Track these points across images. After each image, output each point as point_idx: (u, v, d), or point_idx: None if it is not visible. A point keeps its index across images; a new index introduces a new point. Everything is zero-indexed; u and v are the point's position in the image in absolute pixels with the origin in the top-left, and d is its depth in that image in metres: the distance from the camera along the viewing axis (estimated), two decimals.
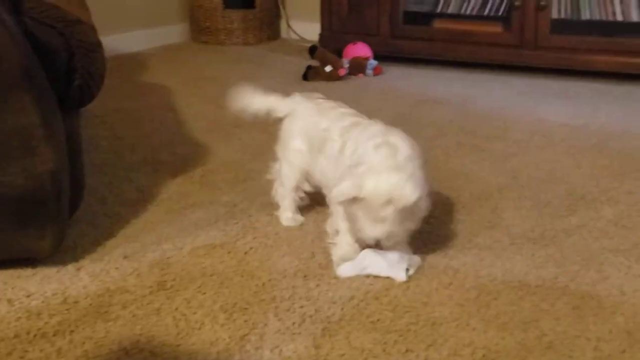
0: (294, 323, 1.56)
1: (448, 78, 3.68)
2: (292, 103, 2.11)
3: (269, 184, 2.14)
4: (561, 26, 3.62)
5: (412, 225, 1.74)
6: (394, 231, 1.69)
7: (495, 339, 1.50)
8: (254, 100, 2.21)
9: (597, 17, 3.57)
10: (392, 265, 1.74)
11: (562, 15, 3.63)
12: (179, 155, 2.60)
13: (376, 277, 1.73)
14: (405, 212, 1.67)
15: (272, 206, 2.12)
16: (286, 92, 3.42)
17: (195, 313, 1.59)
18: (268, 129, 2.89)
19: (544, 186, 2.29)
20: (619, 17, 3.52)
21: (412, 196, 1.64)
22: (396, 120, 3.00)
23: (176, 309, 1.61)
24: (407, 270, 1.74)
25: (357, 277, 1.74)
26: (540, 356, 1.45)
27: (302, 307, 1.62)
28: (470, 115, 3.06)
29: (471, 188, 2.28)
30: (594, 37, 3.53)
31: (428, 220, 2.04)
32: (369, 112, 3.11)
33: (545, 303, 1.63)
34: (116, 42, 4.18)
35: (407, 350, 1.46)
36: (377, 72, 3.77)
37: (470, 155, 2.58)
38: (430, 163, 2.48)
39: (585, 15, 3.58)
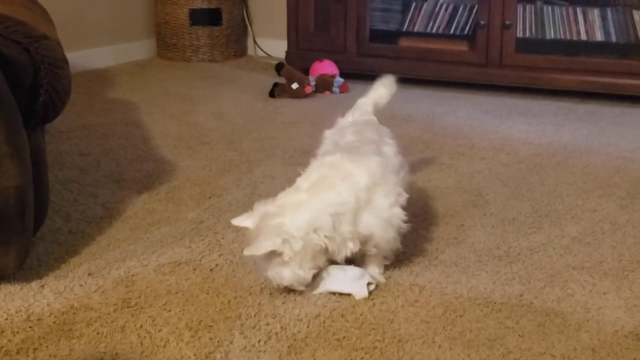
0: (259, 340, 1.55)
1: (415, 96, 3.70)
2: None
3: (235, 200, 2.13)
4: (526, 45, 3.67)
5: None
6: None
7: (460, 356, 1.51)
8: None
9: (561, 36, 3.62)
10: (354, 281, 1.74)
11: (527, 35, 3.68)
12: (144, 171, 2.58)
13: (341, 294, 1.73)
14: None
15: None
16: (252, 109, 3.44)
17: (160, 331, 1.57)
18: (234, 145, 2.89)
19: (509, 203, 2.31)
20: (583, 37, 3.58)
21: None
22: None
23: (141, 326, 1.59)
24: (369, 285, 1.75)
25: (323, 295, 1.73)
26: None
27: (267, 324, 1.61)
28: (437, 132, 3.08)
29: (437, 205, 2.30)
30: (558, 56, 3.58)
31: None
32: None
33: (510, 320, 1.64)
34: (82, 58, 4.15)
35: None
36: (343, 89, 3.78)
37: (436, 172, 2.60)
38: None
39: (550, 34, 3.64)
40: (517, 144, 2.92)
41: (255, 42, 4.82)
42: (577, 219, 2.19)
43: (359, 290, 1.73)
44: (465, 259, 1.94)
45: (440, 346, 1.54)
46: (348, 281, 1.74)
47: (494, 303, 1.71)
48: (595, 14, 3.53)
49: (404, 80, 3.95)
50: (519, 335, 1.58)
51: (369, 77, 4.01)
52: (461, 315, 1.66)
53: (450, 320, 1.64)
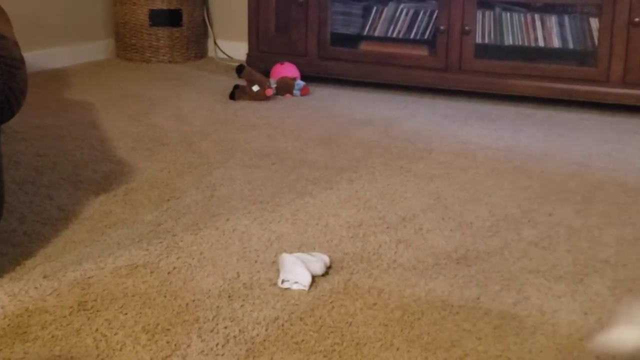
0: (217, 344, 1.54)
1: (375, 100, 3.72)
2: None
3: (194, 203, 2.12)
4: (485, 51, 3.71)
5: None
6: None
7: (418, 359, 1.52)
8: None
9: (519, 42, 3.66)
10: (302, 269, 1.79)
11: (486, 40, 3.72)
12: (101, 173, 2.55)
13: (301, 296, 1.73)
14: None
15: (197, 226, 2.11)
16: (212, 111, 3.43)
17: (116, 334, 1.56)
18: (193, 147, 2.88)
19: (467, 207, 2.33)
20: (541, 43, 3.62)
21: None
22: (323, 140, 3.02)
23: (97, 329, 1.57)
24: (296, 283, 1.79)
25: (281, 298, 1.73)
26: None
27: (225, 327, 1.60)
28: (396, 136, 3.10)
29: (396, 209, 2.31)
30: (517, 62, 3.63)
31: (353, 241, 2.06)
32: (296, 132, 3.13)
33: (467, 323, 1.65)
34: (39, 57, 4.10)
35: None
36: (304, 92, 3.79)
37: (395, 176, 2.61)
38: (356, 183, 2.51)
39: (509, 40, 3.68)
40: (475, 148, 2.95)
41: (215, 43, 4.80)
42: (533, 223, 2.22)
43: (302, 279, 1.77)
44: (424, 262, 1.95)
45: (398, 349, 1.55)
46: (301, 271, 1.78)
47: (452, 306, 1.72)
48: (553, 20, 3.58)
49: (365, 84, 3.98)
50: (475, 338, 1.59)
51: (330, 80, 4.03)
52: (419, 318, 1.67)
53: (409, 323, 1.65)
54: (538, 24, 3.60)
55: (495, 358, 1.52)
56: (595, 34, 3.42)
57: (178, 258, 1.92)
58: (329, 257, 1.92)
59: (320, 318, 1.66)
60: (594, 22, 3.43)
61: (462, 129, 3.22)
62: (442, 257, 1.98)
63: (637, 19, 3.23)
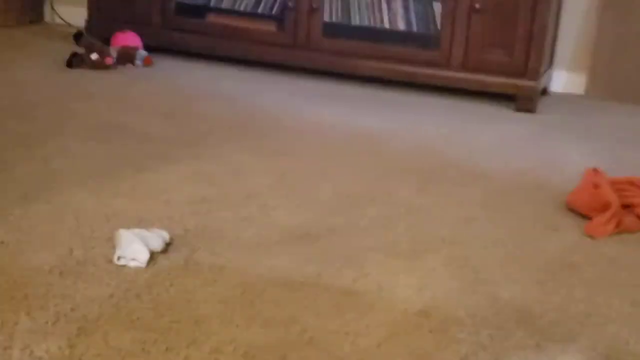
0: (47, 322, 1.46)
1: (221, 74, 3.66)
2: None
3: (27, 175, 2.01)
4: (333, 30, 3.73)
5: None
6: None
7: (257, 335, 1.50)
8: None
9: (366, 23, 3.70)
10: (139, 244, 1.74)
11: (334, 19, 3.73)
12: None
13: (138, 273, 1.68)
14: None
15: (27, 198, 1.99)
16: (48, 79, 3.25)
17: None
18: (26, 117, 2.72)
19: (312, 185, 2.34)
20: (387, 25, 3.68)
21: None
22: (165, 113, 2.94)
23: None
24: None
25: (117, 275, 1.67)
26: (300, 351, 1.46)
27: (56, 305, 1.53)
28: (242, 112, 3.06)
29: (240, 185, 2.28)
30: (363, 42, 3.66)
31: (196, 218, 2.02)
32: (138, 104, 3.03)
33: (307, 299, 1.66)
34: None
35: (167, 349, 1.42)
36: (147, 63, 3.66)
37: (240, 152, 2.57)
38: (200, 158, 2.46)
39: (356, 20, 3.71)
40: (321, 127, 2.96)
41: (52, 7, 4.56)
42: (375, 201, 2.25)
43: (140, 256, 1.72)
44: (267, 239, 1.94)
45: (237, 326, 1.53)
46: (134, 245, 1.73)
47: (293, 283, 1.72)
48: (398, 3, 3.63)
49: (211, 57, 3.91)
50: (315, 314, 1.60)
51: (175, 52, 3.93)
52: (260, 295, 1.65)
53: (249, 300, 1.63)
54: (384, 5, 3.65)
55: (334, 334, 1.53)
56: (438, 19, 3.51)
57: (6, 232, 1.81)
58: (169, 233, 1.86)
59: (157, 295, 1.61)
60: (437, 7, 3.52)
61: (309, 108, 3.23)
62: (285, 235, 1.97)
63: (477, 6, 3.34)
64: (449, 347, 1.52)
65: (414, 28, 3.64)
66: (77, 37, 3.62)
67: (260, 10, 3.82)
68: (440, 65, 3.50)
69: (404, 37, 3.70)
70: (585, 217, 2.19)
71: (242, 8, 3.84)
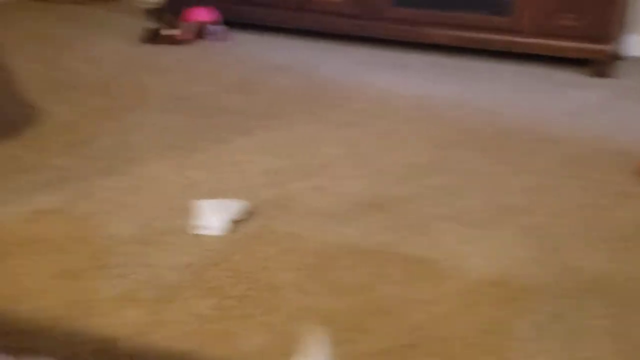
0: (129, 289, 1.52)
1: (292, 46, 3.68)
2: None
3: (106, 148, 2.07)
4: None
5: None
6: None
7: (333, 302, 1.53)
8: None
9: None
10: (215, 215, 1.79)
11: None
12: (8, 116, 2.46)
13: (215, 242, 1.72)
14: None
15: (109, 171, 2.06)
16: (125, 54, 3.33)
17: (26, 279, 1.52)
18: (105, 91, 2.80)
19: (381, 154, 2.35)
20: None
21: None
22: (240, 85, 2.98)
23: (4, 274, 1.53)
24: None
25: (195, 243, 1.72)
26: (375, 318, 1.49)
27: (139, 273, 1.58)
28: (313, 84, 3.09)
29: (312, 156, 2.31)
30: (434, 10, 3.63)
31: (270, 188, 2.06)
32: (212, 77, 3.09)
33: (381, 268, 1.68)
34: None
35: (245, 316, 1.47)
36: (221, 37, 3.72)
37: (311, 123, 2.60)
38: (272, 130, 2.50)
39: None
40: (390, 96, 2.96)
41: None
42: (445, 170, 2.25)
43: (217, 225, 1.77)
44: (339, 208, 1.96)
45: (313, 293, 1.56)
46: (212, 215, 1.79)
47: (365, 251, 1.75)
48: None
49: (281, 30, 3.94)
50: (388, 282, 1.62)
51: (247, 25, 3.97)
52: (333, 263, 1.68)
53: (324, 268, 1.66)
54: None
55: (407, 301, 1.55)
56: None
57: (90, 203, 1.88)
58: (245, 203, 1.91)
59: (234, 263, 1.65)
60: None
61: (378, 77, 3.23)
62: (357, 204, 2.00)
63: None
64: (524, 316, 1.52)
65: None
66: (154, 13, 3.69)
67: None
68: (513, 31, 3.44)
69: (475, 4, 3.65)
70: None
71: None
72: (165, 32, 3.57)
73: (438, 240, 1.82)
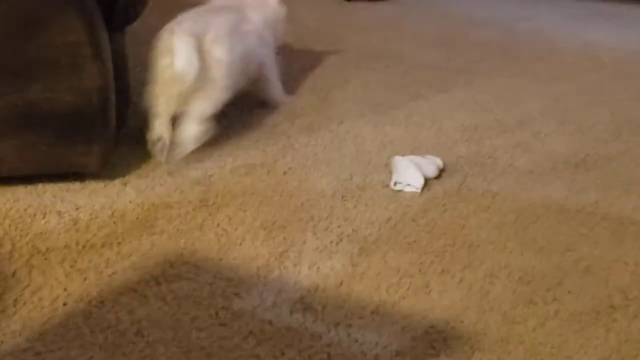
0: (331, 242, 1.59)
1: (492, 0, 3.60)
2: None
3: (309, 105, 2.14)
4: None
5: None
6: None
7: (532, 261, 1.52)
8: None
9: None
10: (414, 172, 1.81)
11: None
12: None
13: (413, 198, 1.75)
14: None
15: (311, 128, 2.14)
16: (326, 12, 3.39)
17: (236, 229, 1.62)
18: (307, 49, 2.88)
19: (588, 110, 2.26)
20: None
21: None
22: (439, 41, 2.97)
23: (218, 225, 1.64)
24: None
25: (394, 199, 1.75)
26: (577, 279, 1.46)
27: (339, 226, 1.64)
28: (516, 37, 3.01)
29: (513, 112, 2.26)
30: None
31: (468, 145, 2.05)
32: (412, 34, 3.09)
33: (584, 228, 1.63)
34: None
35: (442, 271, 1.49)
36: None
37: (514, 78, 2.55)
38: (472, 85, 2.47)
39: None
40: (600, 49, 2.83)
41: None
42: None
43: (415, 182, 1.79)
44: (541, 166, 1.92)
45: (511, 252, 1.55)
46: (413, 173, 1.81)
47: (568, 210, 1.70)
48: None
49: None
50: (592, 242, 1.58)
51: None
52: (534, 222, 1.66)
53: (523, 227, 1.64)
54: None
55: (612, 262, 1.51)
56: None
57: (293, 159, 1.97)
58: (442, 160, 1.92)
59: (432, 220, 1.67)
60: None
61: (587, 30, 3.09)
62: (559, 162, 1.95)
63: None
64: None
65: None
66: None
67: None
68: None
69: None
70: None
71: None
72: None
73: None
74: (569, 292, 1.42)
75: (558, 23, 3.19)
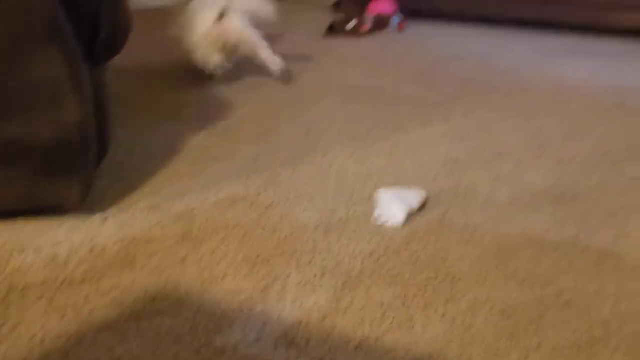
0: (315, 276, 1.58)
1: (471, 34, 3.65)
2: None
3: (291, 138, 2.15)
4: None
5: None
6: None
7: (513, 294, 1.52)
8: None
9: None
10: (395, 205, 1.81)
11: None
12: (202, 109, 2.61)
13: (396, 231, 1.75)
14: None
15: (294, 161, 2.14)
16: (308, 47, 3.42)
17: (219, 264, 1.62)
18: (289, 83, 2.90)
19: (566, 143, 2.29)
20: None
21: None
22: (417, 76, 2.99)
23: (200, 259, 1.63)
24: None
25: (377, 233, 1.76)
26: (559, 312, 1.46)
27: (323, 260, 1.64)
28: (493, 72, 3.04)
29: (492, 145, 2.28)
30: None
31: (449, 177, 2.06)
32: (392, 68, 3.12)
33: (564, 260, 1.64)
34: None
35: (426, 305, 1.48)
36: (400, 28, 3.74)
37: (491, 112, 2.57)
38: (451, 119, 2.49)
39: None
40: (575, 84, 2.87)
41: None
42: (636, 160, 2.16)
43: (398, 217, 1.79)
44: (520, 199, 1.94)
45: (493, 285, 1.55)
46: (393, 206, 1.82)
47: (549, 243, 1.71)
48: None
49: (461, 18, 3.90)
50: (573, 275, 1.58)
51: (426, 14, 3.97)
52: (515, 255, 1.67)
53: (504, 260, 1.65)
54: None
55: (593, 295, 1.51)
56: None
57: (276, 192, 1.97)
58: (424, 192, 1.92)
59: (415, 253, 1.67)
60: None
61: (562, 64, 3.13)
62: (539, 194, 1.96)
63: None
64: None
65: None
66: (337, 5, 3.77)
67: None
68: None
69: None
70: None
71: None
72: (347, 24, 3.64)
73: (628, 231, 1.75)
74: (551, 325, 1.42)
75: (533, 58, 3.24)
